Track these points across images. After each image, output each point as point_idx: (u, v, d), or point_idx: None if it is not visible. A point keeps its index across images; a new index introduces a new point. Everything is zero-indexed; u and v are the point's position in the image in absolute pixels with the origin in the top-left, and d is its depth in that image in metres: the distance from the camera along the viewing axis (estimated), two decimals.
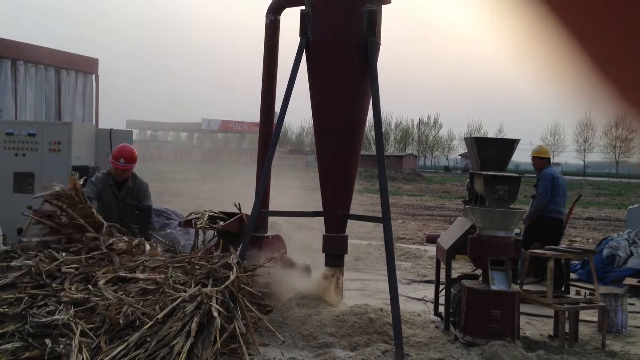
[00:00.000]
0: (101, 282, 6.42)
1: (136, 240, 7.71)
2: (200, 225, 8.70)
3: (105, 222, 7.65)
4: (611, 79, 1.28)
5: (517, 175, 7.63)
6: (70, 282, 6.47)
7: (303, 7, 7.91)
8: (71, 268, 6.75)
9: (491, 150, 7.62)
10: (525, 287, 8.51)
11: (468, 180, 8.42)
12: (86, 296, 6.16)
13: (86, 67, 14.92)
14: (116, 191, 8.76)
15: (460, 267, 11.78)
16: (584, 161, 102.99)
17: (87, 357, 5.43)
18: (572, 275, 11.13)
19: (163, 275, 6.67)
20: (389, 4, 7.94)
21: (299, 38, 7.82)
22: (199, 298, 6.09)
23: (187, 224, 8.91)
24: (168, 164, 58.58)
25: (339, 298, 8.07)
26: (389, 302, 7.06)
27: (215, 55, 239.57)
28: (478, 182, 7.59)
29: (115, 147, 9.07)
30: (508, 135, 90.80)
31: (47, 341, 5.48)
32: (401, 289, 9.40)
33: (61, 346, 5.46)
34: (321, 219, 8.35)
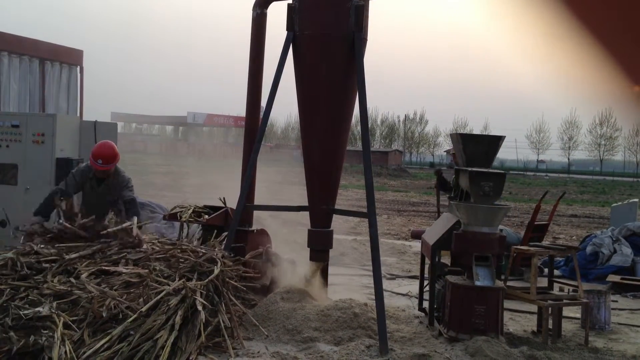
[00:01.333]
0: (84, 275, 6.37)
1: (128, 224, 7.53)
2: (184, 219, 8.66)
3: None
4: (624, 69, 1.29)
5: (502, 172, 7.65)
6: (53, 275, 6.42)
7: (290, 1, 7.89)
8: (51, 259, 6.70)
9: (477, 147, 7.64)
10: (509, 283, 8.54)
11: (453, 176, 8.44)
12: (69, 289, 6.11)
13: (71, 58, 14.79)
14: (95, 185, 8.46)
15: (445, 262, 11.82)
16: (568, 159, 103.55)
17: (69, 350, 5.39)
18: (556, 272, 11.19)
19: (146, 269, 6.63)
20: None
21: (286, 32, 7.80)
22: (183, 291, 6.07)
23: (172, 217, 8.86)
24: (153, 157, 58.35)
25: (323, 293, 8.07)
26: (373, 297, 7.07)
27: (201, 49, 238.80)
28: (463, 179, 7.61)
29: (96, 144, 8.63)
30: (494, 132, 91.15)
31: (31, 338, 5.45)
32: (386, 284, 9.42)
33: (44, 338, 5.42)
34: (306, 214, 8.34)
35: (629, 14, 1.30)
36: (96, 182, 8.38)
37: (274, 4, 8.61)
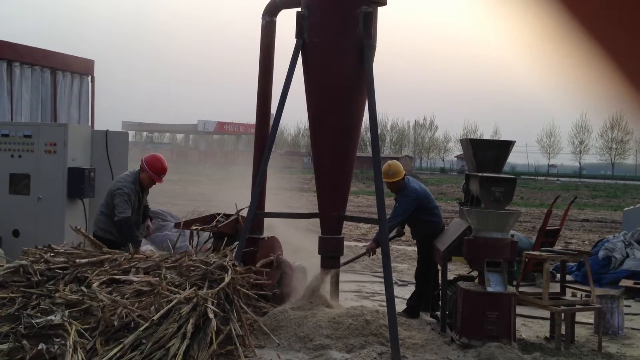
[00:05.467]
0: (95, 284, 6.39)
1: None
2: (196, 227, 8.68)
3: None
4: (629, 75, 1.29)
5: (513, 177, 7.63)
6: (64, 284, 6.44)
7: (299, 9, 7.91)
8: (62, 266, 6.73)
9: (487, 152, 7.63)
10: (521, 288, 8.50)
11: (464, 181, 8.42)
12: (80, 298, 6.13)
13: (82, 68, 14.86)
14: (141, 194, 8.54)
15: (457, 268, 11.79)
16: (579, 163, 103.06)
17: (82, 358, 5.40)
18: (568, 277, 11.14)
19: (157, 277, 6.64)
20: (385, 6, 7.94)
21: (295, 39, 7.82)
22: (194, 300, 6.07)
23: (183, 225, 8.87)
24: None
25: (335, 300, 8.06)
26: (385, 303, 7.06)
27: (211, 57, 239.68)
28: (474, 184, 7.59)
29: (151, 159, 8.61)
30: (504, 137, 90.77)
31: (42, 345, 5.46)
32: (397, 290, 9.40)
33: (56, 347, 5.43)
34: (317, 221, 8.34)
35: (633, 27, 1.30)
36: (141, 191, 8.55)
37: (283, 11, 8.64)
